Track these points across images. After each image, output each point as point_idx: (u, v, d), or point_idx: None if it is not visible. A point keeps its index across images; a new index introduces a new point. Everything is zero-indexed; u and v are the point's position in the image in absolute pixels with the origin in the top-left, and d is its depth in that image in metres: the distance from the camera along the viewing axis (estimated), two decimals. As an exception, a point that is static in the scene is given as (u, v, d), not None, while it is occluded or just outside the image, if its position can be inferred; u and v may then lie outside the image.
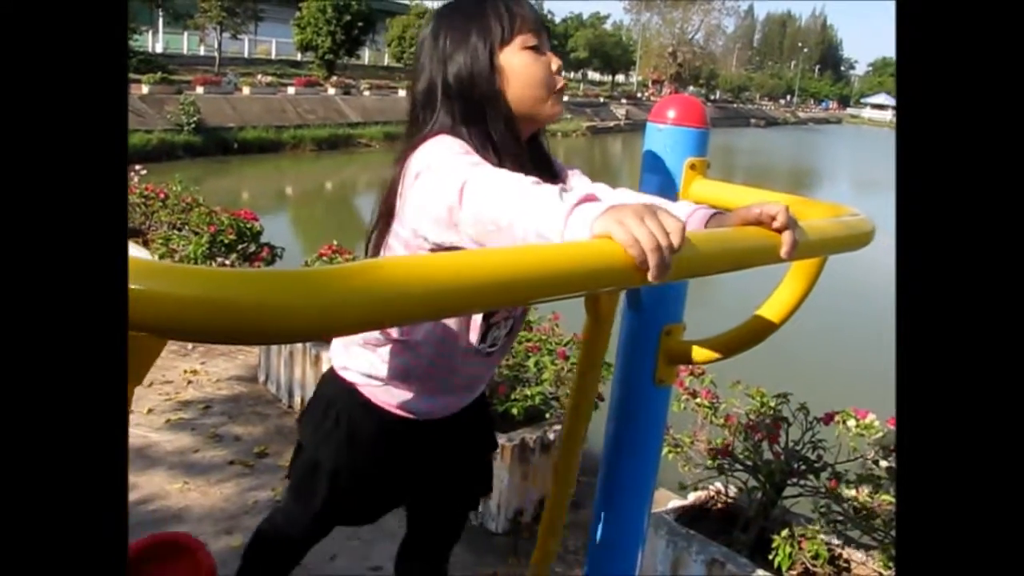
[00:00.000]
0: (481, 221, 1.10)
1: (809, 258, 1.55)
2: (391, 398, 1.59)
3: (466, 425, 1.74)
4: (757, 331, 1.74)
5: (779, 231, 1.11)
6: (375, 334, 1.52)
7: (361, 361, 1.58)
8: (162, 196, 6.27)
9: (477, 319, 1.48)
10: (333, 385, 1.66)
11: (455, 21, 1.43)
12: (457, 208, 1.14)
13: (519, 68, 1.40)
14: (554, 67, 1.43)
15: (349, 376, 1.62)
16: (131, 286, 0.61)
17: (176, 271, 0.64)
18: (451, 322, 1.48)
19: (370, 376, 1.58)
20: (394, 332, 1.50)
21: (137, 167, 7.25)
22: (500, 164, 1.33)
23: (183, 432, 3.99)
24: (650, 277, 0.90)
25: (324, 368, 4.05)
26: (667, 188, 1.76)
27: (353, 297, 0.68)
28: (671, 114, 1.77)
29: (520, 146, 1.44)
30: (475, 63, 1.39)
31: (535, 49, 1.41)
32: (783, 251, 1.10)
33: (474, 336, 1.51)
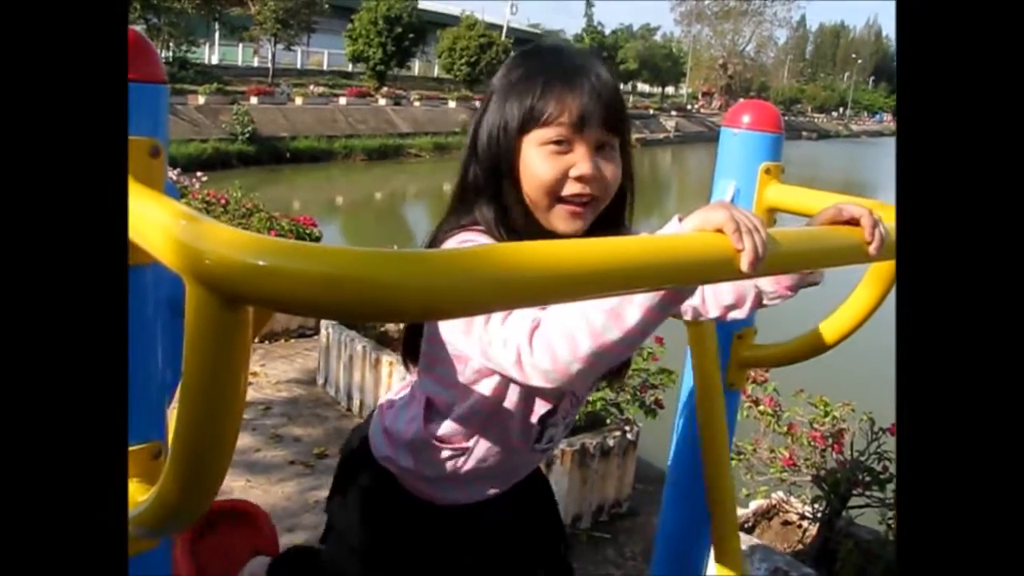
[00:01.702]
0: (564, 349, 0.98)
1: (890, 260, 1.55)
2: (433, 491, 1.42)
3: (520, 508, 1.53)
4: (831, 335, 1.74)
5: (867, 229, 1.11)
6: (421, 435, 1.36)
7: (404, 456, 1.40)
8: (223, 202, 6.39)
9: (533, 420, 1.32)
10: (369, 474, 1.46)
11: (512, 75, 1.25)
12: (528, 353, 1.00)
13: (526, 163, 1.20)
14: (574, 173, 1.18)
15: (390, 467, 1.43)
16: (259, 262, 0.64)
17: (309, 249, 0.66)
18: (507, 426, 1.32)
19: (411, 471, 1.40)
20: (445, 434, 1.35)
21: (198, 173, 7.41)
22: None
23: (244, 432, 4.06)
24: (745, 264, 0.90)
25: (383, 372, 4.12)
26: (742, 192, 1.77)
27: (470, 279, 0.69)
28: (746, 119, 1.78)
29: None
30: (502, 134, 1.21)
31: (557, 144, 1.18)
32: (871, 247, 1.10)
33: (527, 438, 1.34)
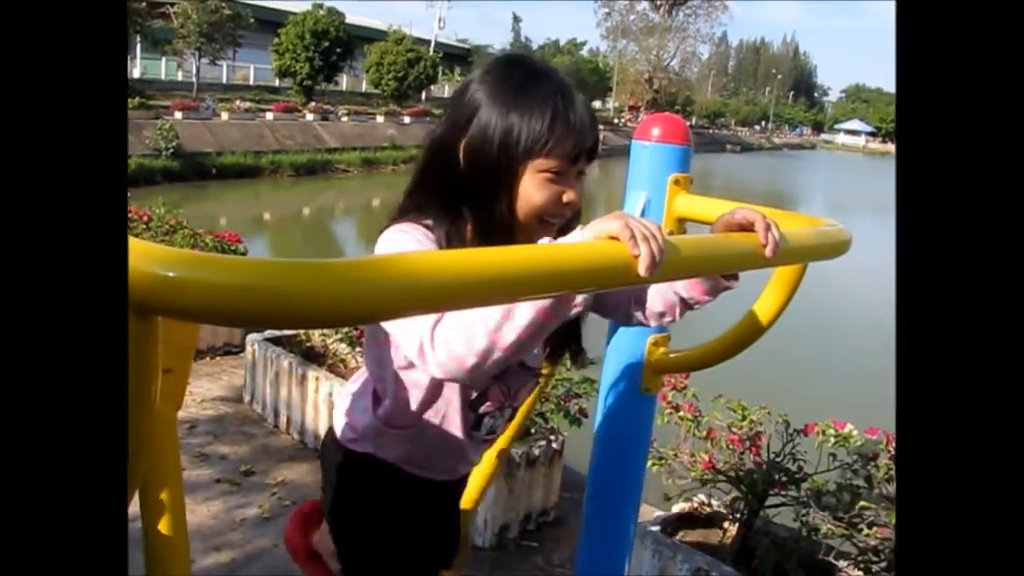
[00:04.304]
0: (462, 344, 1.07)
1: (791, 264, 1.62)
2: (400, 467, 1.53)
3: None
4: (740, 340, 1.80)
5: (761, 232, 1.17)
6: (374, 423, 1.49)
7: (365, 444, 1.52)
8: (145, 219, 6.28)
9: (463, 410, 1.45)
10: (340, 456, 1.57)
11: (508, 85, 1.32)
12: (428, 345, 1.08)
13: (525, 187, 1.30)
14: (565, 199, 1.32)
15: (355, 448, 1.54)
16: (167, 274, 0.66)
17: (215, 261, 0.68)
18: (446, 413, 1.44)
19: (373, 455, 1.52)
20: (393, 421, 1.47)
21: (119, 190, 7.26)
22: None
23: (169, 452, 4.00)
24: (643, 268, 0.95)
25: (310, 388, 4.10)
26: (653, 202, 1.83)
27: (373, 286, 0.72)
28: (655, 132, 1.84)
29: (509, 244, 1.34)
30: (504, 152, 1.29)
31: (556, 174, 1.30)
32: (767, 251, 1.16)
33: (462, 429, 1.46)
